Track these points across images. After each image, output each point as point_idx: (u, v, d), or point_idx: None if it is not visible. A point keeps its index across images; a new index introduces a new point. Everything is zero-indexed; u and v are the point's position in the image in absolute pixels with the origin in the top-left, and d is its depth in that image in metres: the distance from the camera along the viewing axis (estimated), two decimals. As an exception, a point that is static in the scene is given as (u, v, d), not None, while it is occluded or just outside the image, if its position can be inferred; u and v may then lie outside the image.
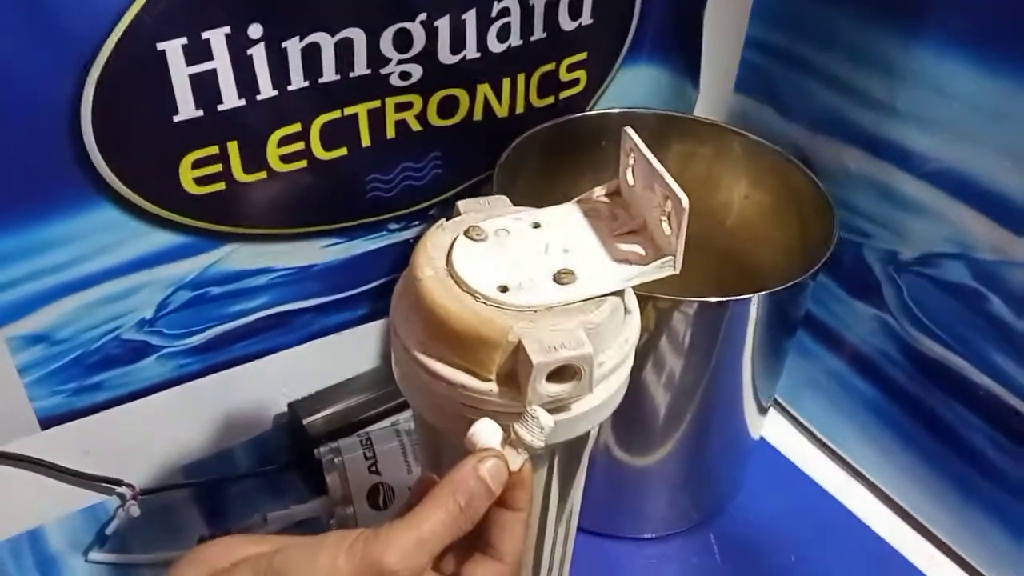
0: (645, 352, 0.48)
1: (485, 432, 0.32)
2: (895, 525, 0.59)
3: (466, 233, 0.35)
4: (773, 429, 0.64)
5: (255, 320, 0.58)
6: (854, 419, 0.61)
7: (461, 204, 0.38)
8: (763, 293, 0.47)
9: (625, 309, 0.35)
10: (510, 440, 0.32)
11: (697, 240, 0.36)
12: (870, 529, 0.59)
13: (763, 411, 0.57)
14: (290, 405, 0.58)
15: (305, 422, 0.56)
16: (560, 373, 0.31)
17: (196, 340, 0.56)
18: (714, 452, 0.57)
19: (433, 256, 0.35)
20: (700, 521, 0.59)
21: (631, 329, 0.35)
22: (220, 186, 0.51)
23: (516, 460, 0.32)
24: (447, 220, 0.37)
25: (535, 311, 0.32)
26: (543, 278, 0.34)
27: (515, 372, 0.32)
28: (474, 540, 0.32)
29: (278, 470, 0.58)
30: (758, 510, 0.60)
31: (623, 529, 0.58)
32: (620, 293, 0.34)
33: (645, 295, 0.44)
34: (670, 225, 0.33)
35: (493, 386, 0.32)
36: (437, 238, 0.36)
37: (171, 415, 0.57)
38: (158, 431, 0.57)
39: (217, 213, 0.52)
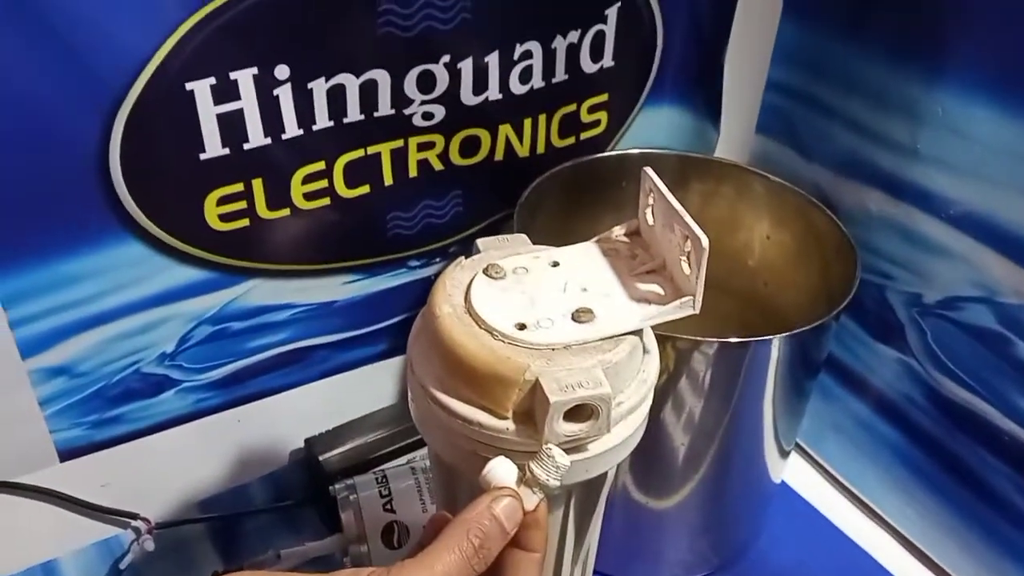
0: (664, 393, 0.48)
1: (500, 470, 0.32)
2: (919, 573, 0.58)
3: (485, 271, 0.35)
4: (795, 473, 0.63)
5: (275, 355, 0.58)
6: (877, 464, 0.60)
7: (480, 242, 0.38)
8: (785, 334, 0.46)
9: (644, 349, 0.35)
10: (525, 479, 0.31)
11: (718, 281, 0.36)
12: None
13: (784, 455, 0.56)
14: (307, 441, 0.58)
15: (321, 458, 0.56)
16: (577, 412, 0.31)
17: (216, 375, 0.57)
18: (734, 496, 0.55)
19: (451, 293, 0.34)
20: (720, 566, 0.58)
21: (650, 369, 0.35)
22: (244, 223, 0.52)
23: (531, 500, 0.31)
24: (466, 258, 0.37)
25: (553, 349, 0.32)
26: (561, 316, 0.33)
27: (532, 411, 0.32)
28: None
29: (294, 506, 0.57)
30: (779, 556, 0.58)
31: (641, 573, 0.57)
32: (639, 333, 0.34)
33: (664, 335, 0.43)
34: (690, 265, 0.33)
35: (509, 424, 0.32)
36: (456, 275, 0.36)
37: (189, 449, 0.57)
38: (175, 465, 0.57)
39: (241, 249, 0.53)
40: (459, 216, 0.60)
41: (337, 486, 0.52)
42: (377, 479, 0.53)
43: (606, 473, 0.35)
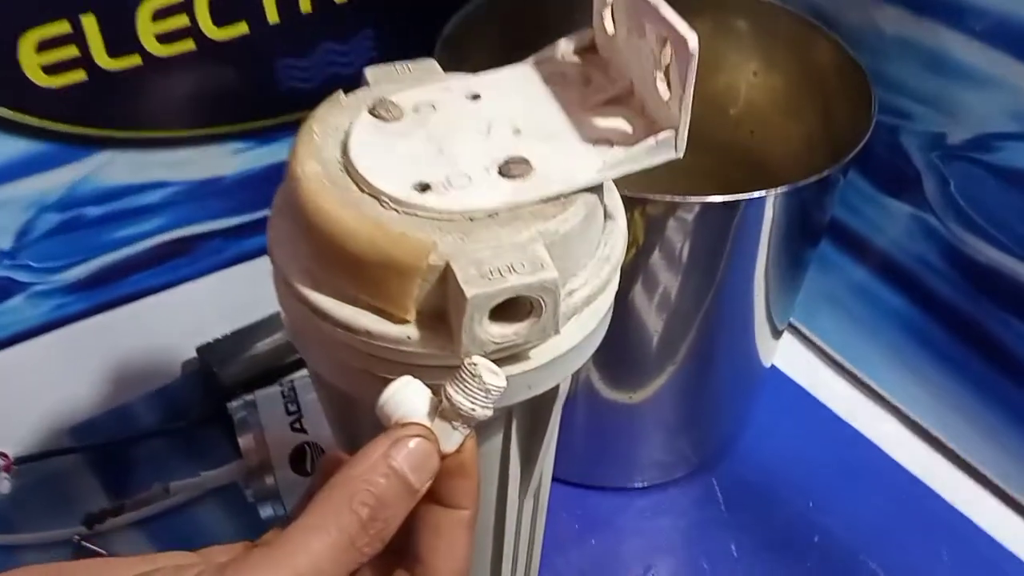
0: (634, 268, 0.40)
1: (403, 399, 0.22)
2: (933, 462, 0.52)
3: (372, 110, 0.25)
4: (785, 354, 0.56)
5: (151, 247, 0.49)
6: (881, 338, 0.54)
7: (370, 71, 0.28)
8: (781, 190, 0.38)
9: (605, 213, 0.26)
10: (442, 409, 0.22)
11: (695, 135, 0.27)
12: (903, 468, 0.51)
13: (777, 334, 0.49)
14: (199, 349, 0.48)
15: (217, 370, 0.47)
16: (510, 309, 0.22)
17: (77, 274, 0.48)
18: (718, 385, 0.49)
19: (322, 145, 0.24)
20: (700, 465, 0.51)
21: (614, 241, 0.26)
22: (79, 76, 0.42)
23: (452, 438, 0.22)
24: (345, 93, 0.26)
25: (471, 219, 0.23)
26: (483, 171, 0.24)
27: (444, 309, 0.23)
28: (400, 550, 0.23)
29: (191, 426, 0.48)
30: (769, 449, 0.52)
31: (609, 479, 0.51)
32: (597, 189, 0.25)
33: (631, 197, 0.35)
34: (669, 83, 0.23)
35: (412, 331, 0.23)
36: (329, 119, 0.25)
37: (52, 366, 0.49)
38: (35, 386, 0.48)
39: (81, 112, 0.43)
40: (372, 63, 0.49)
41: (233, 404, 0.43)
42: (283, 392, 0.43)
43: (557, 386, 0.26)
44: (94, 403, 0.49)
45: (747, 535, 0.48)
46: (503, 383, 0.22)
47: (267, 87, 0.47)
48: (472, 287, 0.21)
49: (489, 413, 0.22)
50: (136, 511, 0.43)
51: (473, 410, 0.22)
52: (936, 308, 0.50)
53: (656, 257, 0.39)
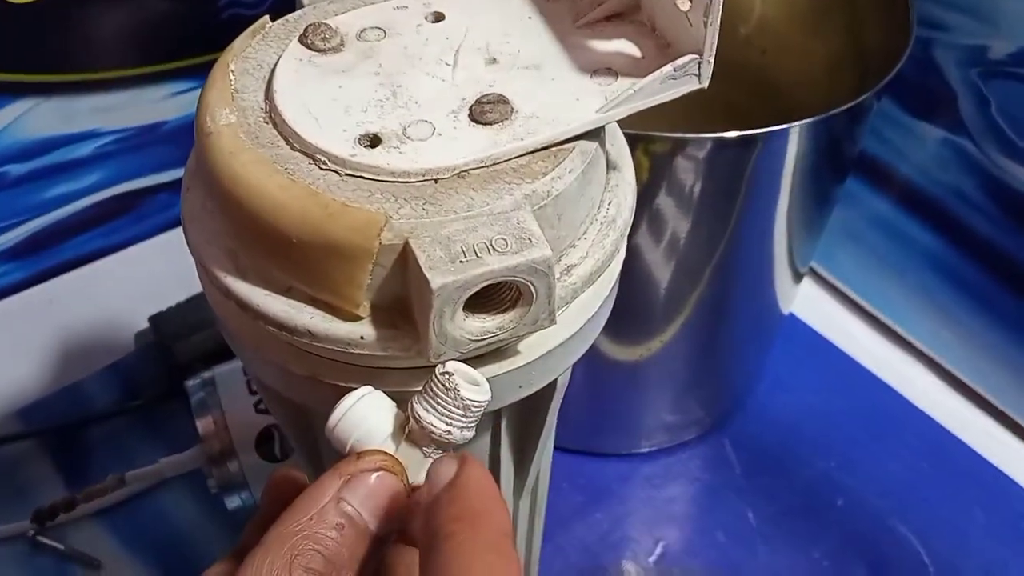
0: (638, 212, 0.35)
1: (359, 416, 0.18)
2: (967, 414, 0.49)
3: (303, 39, 0.20)
4: (802, 299, 0.53)
5: (89, 207, 0.45)
6: (909, 279, 0.51)
7: None
8: (807, 122, 0.33)
9: (607, 163, 0.21)
10: (409, 429, 0.18)
11: None
12: (934, 421, 0.48)
13: (798, 279, 0.45)
14: (152, 320, 0.44)
15: (170, 343, 0.42)
16: (492, 296, 0.17)
17: (7, 240, 0.43)
18: (731, 336, 0.45)
19: (239, 88, 0.19)
20: (712, 426, 0.48)
21: (620, 198, 0.21)
22: None
23: (423, 466, 0.18)
24: (272, 20, 0.21)
25: (435, 180, 0.18)
26: (450, 115, 0.19)
27: (406, 299, 0.18)
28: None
29: (149, 403, 0.44)
30: (786, 405, 0.49)
31: (613, 445, 0.48)
32: (597, 134, 0.20)
33: (631, 134, 0.30)
34: (691, -9, 0.17)
35: (365, 328, 0.18)
36: (251, 54, 0.20)
37: None
38: None
39: None
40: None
41: (190, 383, 0.38)
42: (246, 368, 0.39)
43: (555, 381, 0.21)
44: (41, 383, 0.46)
45: (765, 501, 0.44)
46: (486, 396, 0.17)
47: (206, 16, 0.43)
48: (439, 275, 0.16)
49: (470, 435, 0.17)
50: (89, 504, 0.39)
51: (449, 432, 0.17)
52: (970, 244, 0.47)
53: (663, 201, 0.35)
